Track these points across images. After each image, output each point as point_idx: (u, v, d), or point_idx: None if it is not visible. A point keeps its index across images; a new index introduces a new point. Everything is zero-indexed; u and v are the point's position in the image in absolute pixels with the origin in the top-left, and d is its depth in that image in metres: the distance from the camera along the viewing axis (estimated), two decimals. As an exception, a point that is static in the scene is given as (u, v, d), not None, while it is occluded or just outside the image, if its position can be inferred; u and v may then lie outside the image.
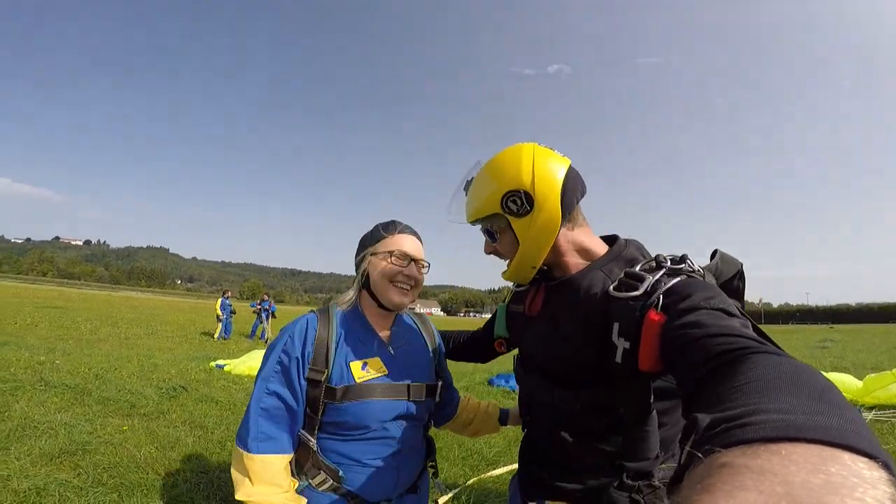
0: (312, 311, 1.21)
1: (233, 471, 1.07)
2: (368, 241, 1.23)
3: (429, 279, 1.30)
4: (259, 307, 14.66)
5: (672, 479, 0.36)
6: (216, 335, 13.30)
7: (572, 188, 0.93)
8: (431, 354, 1.33)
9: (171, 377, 6.44)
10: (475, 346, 1.48)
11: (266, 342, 13.41)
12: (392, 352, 1.22)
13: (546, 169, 0.91)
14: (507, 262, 1.03)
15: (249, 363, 7.49)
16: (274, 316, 14.78)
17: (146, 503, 2.59)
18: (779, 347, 0.55)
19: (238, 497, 1.03)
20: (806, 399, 0.36)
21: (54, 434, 3.51)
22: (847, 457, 0.29)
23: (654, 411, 0.94)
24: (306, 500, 1.10)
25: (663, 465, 0.97)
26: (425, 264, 1.25)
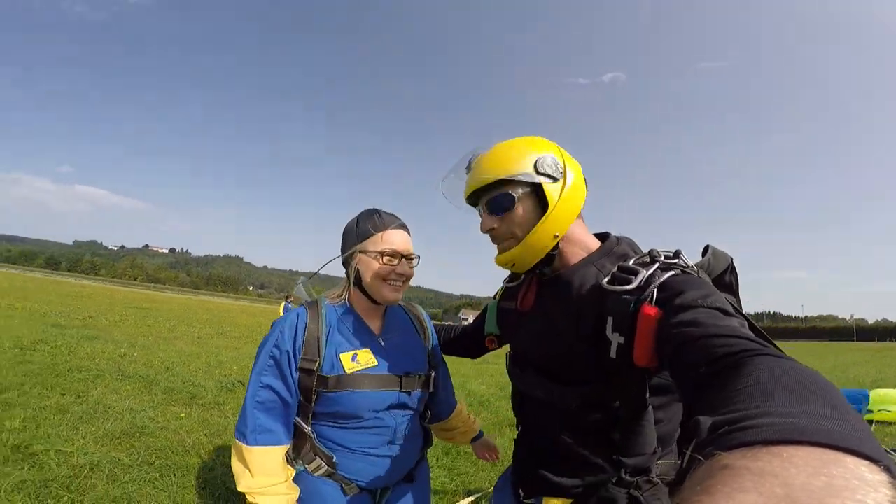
0: (302, 304, 1.22)
1: (233, 463, 1.09)
2: (355, 238, 1.20)
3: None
4: None
5: (673, 481, 0.36)
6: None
7: (584, 178, 0.96)
8: (424, 344, 1.33)
9: (233, 373, 6.84)
10: (466, 340, 1.45)
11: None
12: (382, 343, 1.22)
13: (568, 154, 0.95)
14: (507, 242, 0.96)
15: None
16: None
17: (182, 483, 2.74)
18: (778, 349, 0.54)
19: (240, 489, 1.05)
20: (808, 402, 0.36)
21: (120, 418, 3.81)
22: (849, 460, 0.28)
23: (650, 407, 0.92)
24: (299, 491, 1.10)
25: (661, 461, 0.95)
26: (415, 258, 1.24)
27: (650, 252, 0.86)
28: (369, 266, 1.17)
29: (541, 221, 0.91)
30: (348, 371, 1.12)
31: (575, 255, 0.96)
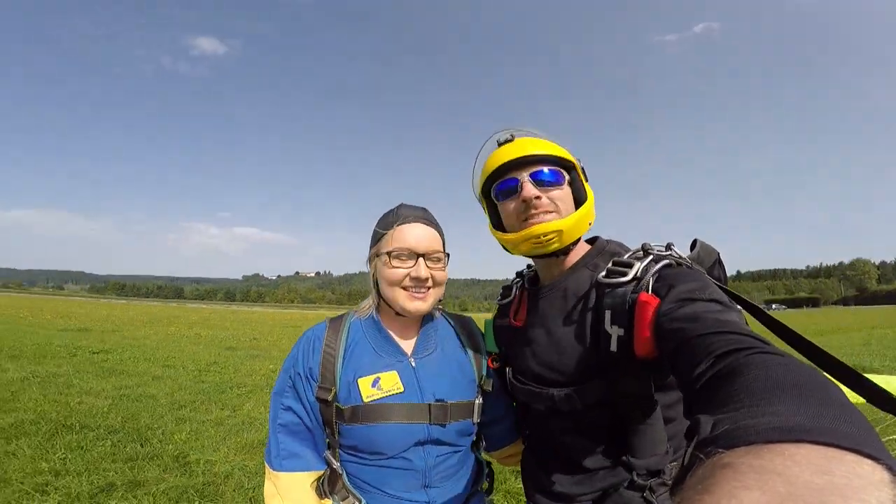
0: (326, 320, 1.09)
1: (265, 487, 1.03)
2: (373, 239, 1.05)
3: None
4: None
5: (675, 480, 0.36)
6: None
7: None
8: (472, 364, 1.10)
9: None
10: None
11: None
12: (414, 363, 1.04)
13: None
14: (551, 215, 0.93)
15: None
16: None
17: None
18: (785, 329, 0.61)
19: None
20: (811, 401, 0.35)
21: (261, 428, 4.33)
22: (851, 458, 0.28)
23: (658, 405, 0.88)
24: None
25: (674, 462, 0.91)
26: (440, 256, 1.03)
27: (643, 245, 0.87)
28: (381, 271, 1.01)
29: (583, 206, 0.94)
30: (366, 400, 0.96)
31: (577, 254, 0.99)
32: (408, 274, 0.99)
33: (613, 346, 0.81)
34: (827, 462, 0.27)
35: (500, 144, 0.97)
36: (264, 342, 14.20)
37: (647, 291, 0.77)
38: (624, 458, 0.90)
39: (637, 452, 0.88)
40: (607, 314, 0.82)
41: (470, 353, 1.12)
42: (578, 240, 0.97)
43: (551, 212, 0.93)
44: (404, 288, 1.00)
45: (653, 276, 0.79)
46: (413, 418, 0.97)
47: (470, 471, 1.09)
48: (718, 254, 0.98)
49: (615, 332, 0.81)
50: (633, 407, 0.87)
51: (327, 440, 1.05)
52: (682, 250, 0.91)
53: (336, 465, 1.01)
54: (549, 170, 0.92)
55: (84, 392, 5.28)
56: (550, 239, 0.93)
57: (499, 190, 0.96)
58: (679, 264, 0.83)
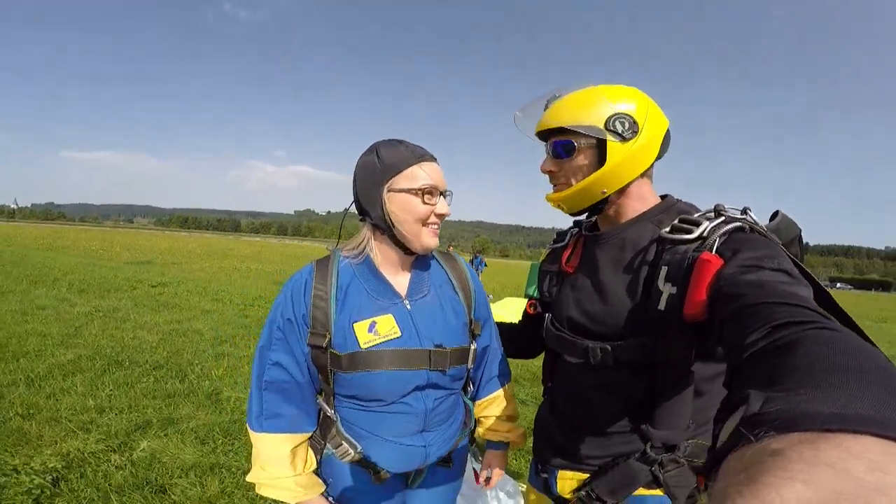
0: (312, 261, 1.06)
1: (253, 450, 1.02)
2: (380, 173, 0.97)
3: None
4: (473, 265, 16.02)
5: (711, 459, 0.33)
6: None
7: (667, 140, 0.93)
8: (463, 305, 1.10)
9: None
10: (521, 340, 1.27)
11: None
12: (409, 306, 1.02)
13: (658, 112, 0.91)
14: (561, 185, 0.96)
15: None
16: (486, 266, 16.13)
17: None
18: (849, 318, 0.56)
19: (248, 479, 1.00)
20: (876, 388, 0.32)
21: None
22: None
23: (693, 375, 0.85)
24: (317, 490, 1.02)
25: (692, 440, 0.89)
26: (450, 194, 1.05)
27: (716, 206, 0.83)
28: (405, 206, 0.96)
29: (593, 175, 0.90)
30: (363, 345, 0.95)
31: (631, 209, 0.94)
32: (433, 209, 0.99)
33: (662, 305, 0.79)
34: (885, 458, 0.24)
35: (545, 109, 0.98)
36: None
37: (711, 251, 0.74)
38: (643, 426, 0.89)
39: (657, 422, 0.87)
40: (663, 270, 0.80)
41: (460, 294, 1.11)
42: (624, 190, 0.92)
43: (564, 182, 0.95)
44: (426, 224, 1.00)
45: (721, 236, 0.76)
46: (413, 364, 0.98)
47: (461, 414, 1.14)
48: (800, 230, 0.93)
49: (667, 289, 0.79)
50: (667, 373, 0.85)
51: (320, 388, 1.05)
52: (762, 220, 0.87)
53: (330, 412, 1.02)
54: (561, 143, 0.93)
55: (138, 326, 5.71)
56: (559, 207, 0.99)
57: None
58: (753, 230, 0.79)
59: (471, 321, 1.10)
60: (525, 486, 1.20)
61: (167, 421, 2.99)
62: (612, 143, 0.88)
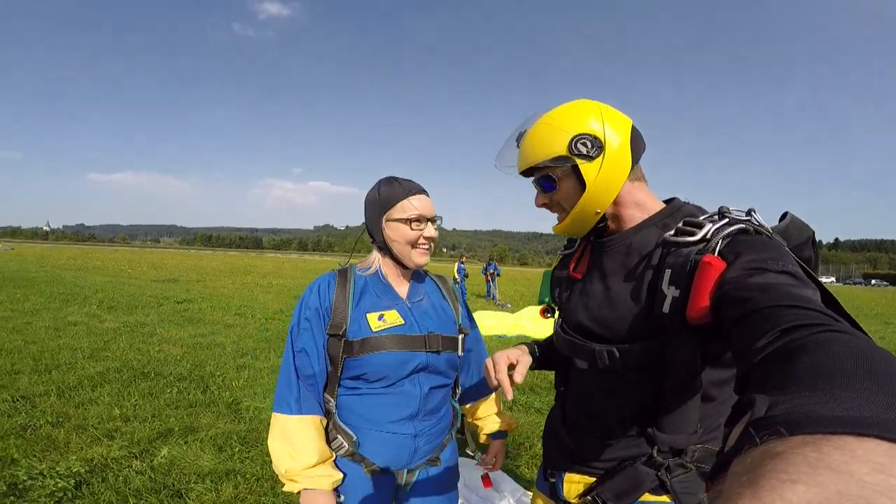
0: (334, 271, 1.25)
1: (274, 443, 1.08)
2: (380, 206, 1.20)
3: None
4: (487, 271, 15.98)
5: (717, 463, 0.33)
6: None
7: (636, 139, 0.93)
8: (451, 309, 1.32)
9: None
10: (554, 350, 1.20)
11: (494, 300, 14.75)
12: (409, 305, 1.24)
13: (615, 118, 0.92)
14: (560, 214, 1.00)
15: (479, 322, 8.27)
16: (499, 273, 15.95)
17: None
18: (855, 324, 0.52)
19: (288, 468, 1.05)
20: (884, 392, 0.32)
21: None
22: None
23: (701, 380, 0.84)
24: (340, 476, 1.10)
25: (699, 445, 0.89)
26: (438, 219, 1.26)
27: (720, 208, 0.83)
28: (398, 232, 1.19)
29: (580, 200, 0.92)
30: (374, 330, 1.13)
31: (633, 217, 0.95)
32: (421, 234, 1.19)
33: (666, 308, 0.78)
34: (888, 460, 0.24)
35: (518, 146, 1.01)
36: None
37: (713, 254, 0.73)
38: (649, 429, 0.88)
39: (664, 426, 0.87)
40: (666, 273, 0.80)
41: (449, 302, 1.33)
42: (617, 201, 0.94)
43: (560, 211, 0.99)
44: (415, 246, 1.20)
45: (723, 238, 0.75)
46: (413, 346, 1.16)
47: (449, 413, 1.29)
48: (813, 232, 0.90)
49: (671, 292, 0.78)
50: (673, 376, 0.84)
51: (326, 380, 1.16)
52: (770, 221, 0.86)
53: (332, 403, 1.15)
54: (542, 175, 0.96)
55: (164, 340, 5.90)
56: (566, 233, 1.03)
57: None
58: (758, 232, 0.77)
59: (458, 324, 1.29)
60: (532, 492, 1.21)
61: (188, 429, 3.07)
62: (584, 165, 0.89)
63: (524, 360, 1.05)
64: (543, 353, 1.22)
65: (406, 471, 1.18)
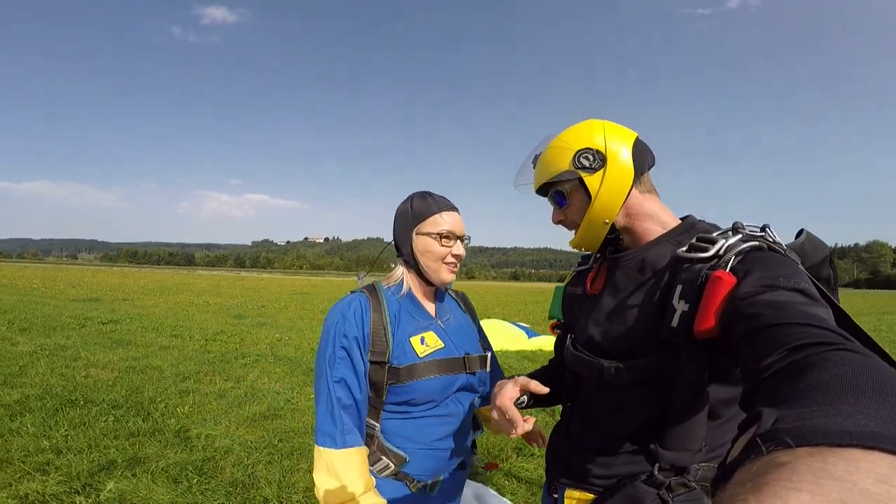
0: (359, 290, 1.22)
1: (320, 477, 1.04)
2: (411, 219, 1.20)
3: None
4: None
5: (722, 472, 0.33)
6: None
7: (641, 150, 0.95)
8: (473, 327, 1.34)
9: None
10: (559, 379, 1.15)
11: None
12: (441, 324, 1.23)
13: (616, 131, 0.95)
14: (575, 230, 1.02)
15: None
16: None
17: (290, 466, 2.96)
18: (869, 340, 0.55)
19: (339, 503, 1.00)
20: (890, 407, 0.32)
21: (263, 400, 4.37)
22: None
23: (708, 395, 0.84)
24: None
25: (704, 464, 0.87)
26: (467, 238, 1.26)
27: (734, 224, 0.84)
28: (427, 247, 1.18)
29: (588, 211, 0.95)
30: (421, 355, 1.13)
31: (649, 231, 0.96)
32: (450, 251, 1.19)
33: (675, 322, 0.78)
34: (893, 472, 0.25)
35: (534, 168, 1.06)
36: (272, 309, 14.39)
37: (725, 269, 0.73)
38: (652, 445, 0.87)
39: (668, 443, 0.85)
40: (678, 288, 0.80)
41: (469, 317, 1.36)
42: (628, 213, 0.97)
43: (575, 226, 1.02)
44: (444, 262, 1.20)
45: (736, 255, 0.75)
46: (455, 369, 1.17)
47: (472, 425, 1.29)
48: (830, 250, 0.91)
49: (680, 307, 0.78)
50: (680, 392, 0.84)
51: (369, 405, 1.15)
52: (786, 238, 0.86)
53: (376, 427, 1.14)
54: (554, 192, 1.01)
55: (91, 364, 5.35)
56: (584, 249, 1.07)
57: None
58: (772, 249, 0.77)
59: (481, 341, 1.33)
60: None
61: (133, 461, 2.82)
62: (587, 177, 0.94)
63: (509, 392, 0.99)
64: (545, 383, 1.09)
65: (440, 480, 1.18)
